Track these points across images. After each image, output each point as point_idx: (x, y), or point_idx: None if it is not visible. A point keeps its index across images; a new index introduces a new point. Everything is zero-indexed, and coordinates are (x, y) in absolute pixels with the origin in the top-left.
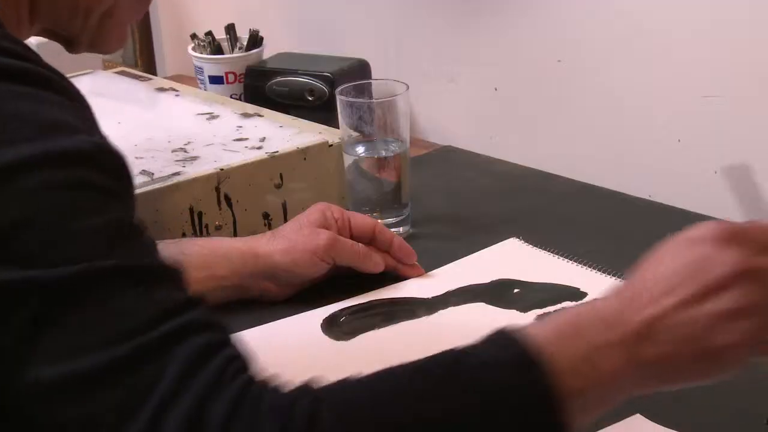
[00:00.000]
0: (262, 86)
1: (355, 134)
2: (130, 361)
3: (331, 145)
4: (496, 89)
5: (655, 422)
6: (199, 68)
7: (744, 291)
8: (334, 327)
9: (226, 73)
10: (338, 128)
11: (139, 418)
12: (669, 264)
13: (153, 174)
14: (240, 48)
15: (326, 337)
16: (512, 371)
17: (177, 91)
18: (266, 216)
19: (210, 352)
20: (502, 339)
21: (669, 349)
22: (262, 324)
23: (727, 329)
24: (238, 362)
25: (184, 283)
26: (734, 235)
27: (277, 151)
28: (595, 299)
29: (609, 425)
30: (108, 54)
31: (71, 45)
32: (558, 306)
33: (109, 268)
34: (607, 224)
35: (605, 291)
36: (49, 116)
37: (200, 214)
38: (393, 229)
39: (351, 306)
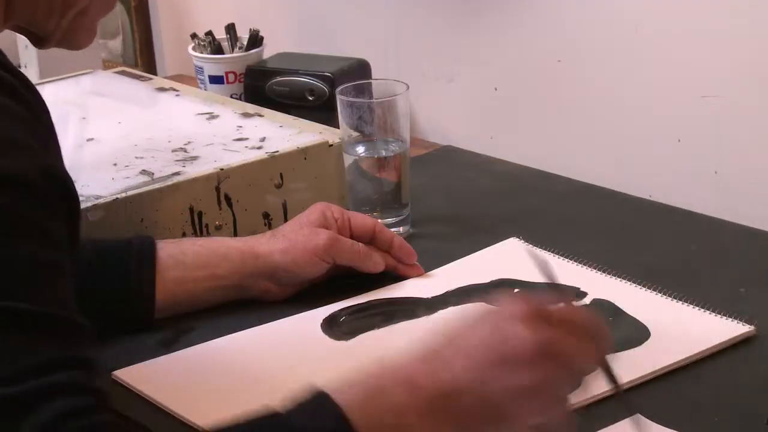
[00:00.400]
0: (262, 86)
1: (355, 134)
2: None
3: (332, 145)
4: (496, 89)
5: (655, 422)
6: (199, 68)
7: (539, 371)
8: (334, 327)
9: (227, 73)
10: (338, 128)
11: None
12: (475, 336)
13: (153, 174)
14: (240, 48)
15: (326, 337)
16: None
17: (177, 90)
18: (266, 216)
19: (64, 422)
20: (317, 407)
21: (464, 414)
22: (262, 324)
23: (518, 404)
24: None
25: (80, 338)
26: (540, 316)
27: (278, 151)
28: (402, 358)
29: (609, 425)
30: (77, 50)
31: (41, 42)
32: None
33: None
34: (607, 224)
35: (415, 350)
36: (1, 132)
37: (200, 214)
38: (393, 229)
39: (351, 306)
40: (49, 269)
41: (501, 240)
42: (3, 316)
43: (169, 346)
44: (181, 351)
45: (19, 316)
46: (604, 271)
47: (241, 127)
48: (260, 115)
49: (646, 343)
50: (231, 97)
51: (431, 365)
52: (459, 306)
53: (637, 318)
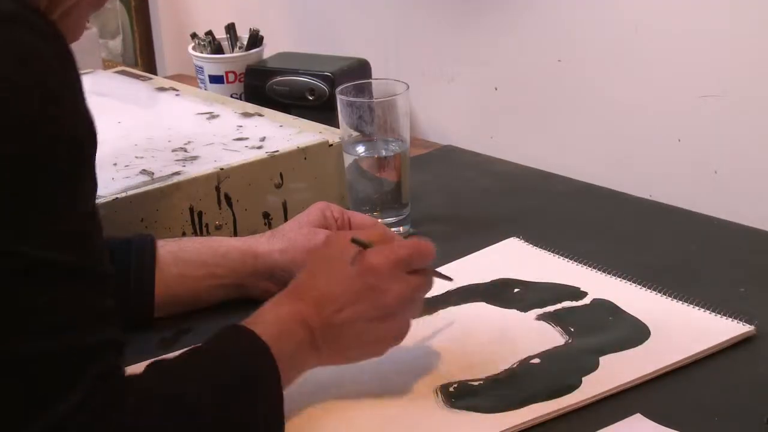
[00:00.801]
0: (262, 86)
1: (355, 134)
2: (55, 357)
3: (331, 145)
4: (496, 89)
5: (655, 422)
6: (200, 68)
7: (402, 311)
8: None
9: (227, 73)
10: (338, 128)
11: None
12: (345, 286)
13: (153, 174)
14: (240, 47)
15: None
16: (254, 359)
17: (177, 90)
18: (266, 216)
19: (111, 377)
20: (235, 334)
21: (340, 346)
22: None
23: (385, 334)
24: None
25: (111, 289)
26: (398, 264)
27: (278, 151)
28: (294, 301)
29: (609, 425)
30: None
31: None
32: (558, 306)
33: (70, 264)
34: (607, 224)
35: (303, 292)
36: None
37: (200, 214)
38: (393, 229)
39: None
40: (95, 225)
41: (501, 240)
42: (75, 271)
43: (169, 346)
44: (180, 351)
45: (86, 271)
46: (604, 271)
47: (241, 126)
48: (260, 115)
49: (646, 342)
50: (231, 96)
51: (319, 306)
52: (459, 305)
53: (637, 317)
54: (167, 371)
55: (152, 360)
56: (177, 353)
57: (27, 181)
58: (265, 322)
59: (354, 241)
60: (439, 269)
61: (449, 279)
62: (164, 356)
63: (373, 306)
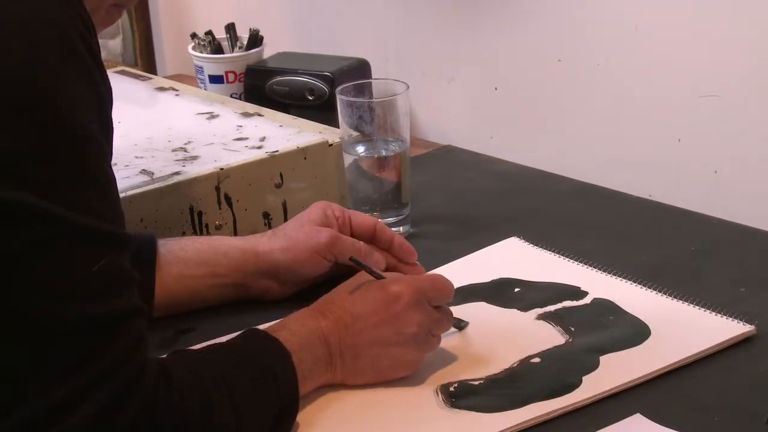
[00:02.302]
0: (262, 86)
1: (355, 134)
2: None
3: (331, 145)
4: (496, 89)
5: (655, 422)
6: (199, 68)
7: (418, 342)
8: None
9: (226, 73)
10: (338, 128)
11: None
12: (370, 309)
13: (153, 174)
14: (240, 47)
15: None
16: (276, 361)
17: (177, 90)
18: (266, 215)
19: (140, 343)
20: (263, 341)
21: (355, 368)
22: (262, 324)
23: (399, 362)
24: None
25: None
26: (421, 295)
27: (277, 151)
28: (317, 317)
29: (609, 425)
30: None
31: None
32: (558, 305)
33: (106, 232)
34: (607, 224)
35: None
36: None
37: (200, 214)
38: (393, 229)
39: None
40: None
41: (501, 239)
42: (109, 239)
43: (169, 346)
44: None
45: (116, 238)
46: (604, 271)
47: (241, 126)
48: (260, 115)
49: (646, 342)
50: (231, 96)
51: (343, 328)
52: (460, 305)
53: (638, 317)
54: (191, 357)
55: (176, 349)
56: (200, 345)
57: (63, 149)
58: (290, 330)
59: (352, 260)
60: (439, 269)
61: (462, 327)
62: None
63: (393, 332)
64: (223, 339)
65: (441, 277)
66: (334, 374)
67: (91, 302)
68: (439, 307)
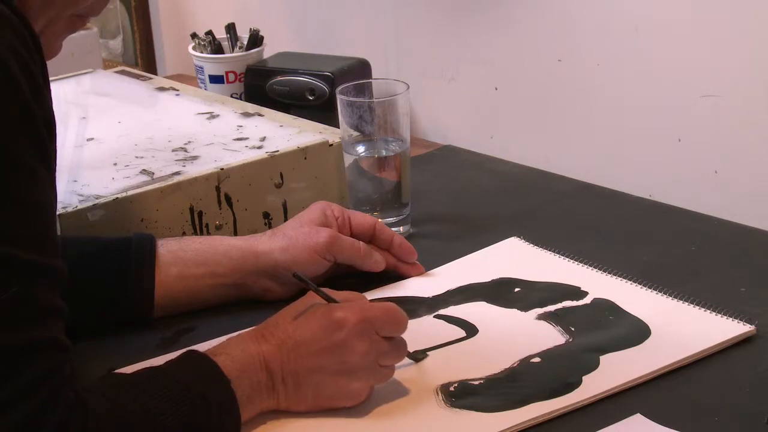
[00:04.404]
0: (262, 86)
1: (355, 134)
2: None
3: (332, 145)
4: (496, 89)
5: (655, 422)
6: (200, 67)
7: (364, 371)
8: None
9: (227, 73)
10: (338, 128)
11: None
12: (312, 335)
13: (153, 173)
14: (240, 47)
15: None
16: (215, 388)
17: (177, 90)
18: (266, 215)
19: (52, 377)
20: (205, 366)
21: (297, 395)
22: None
23: (341, 391)
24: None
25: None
26: (368, 324)
27: (278, 151)
28: (259, 341)
29: (609, 425)
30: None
31: None
32: (558, 305)
33: (21, 260)
34: (607, 224)
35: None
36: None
37: (200, 214)
38: (393, 229)
39: None
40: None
41: (501, 239)
42: (30, 267)
43: (169, 346)
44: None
45: (41, 268)
46: (604, 271)
47: (241, 126)
48: (260, 115)
49: (646, 342)
50: (231, 96)
51: (285, 353)
52: (460, 305)
53: (638, 317)
54: (122, 383)
55: (104, 374)
56: (134, 370)
57: None
58: (229, 355)
59: (296, 276)
60: (440, 269)
61: (420, 359)
62: (120, 370)
63: (335, 361)
64: (163, 360)
65: (394, 308)
66: (277, 400)
67: None
68: (391, 338)
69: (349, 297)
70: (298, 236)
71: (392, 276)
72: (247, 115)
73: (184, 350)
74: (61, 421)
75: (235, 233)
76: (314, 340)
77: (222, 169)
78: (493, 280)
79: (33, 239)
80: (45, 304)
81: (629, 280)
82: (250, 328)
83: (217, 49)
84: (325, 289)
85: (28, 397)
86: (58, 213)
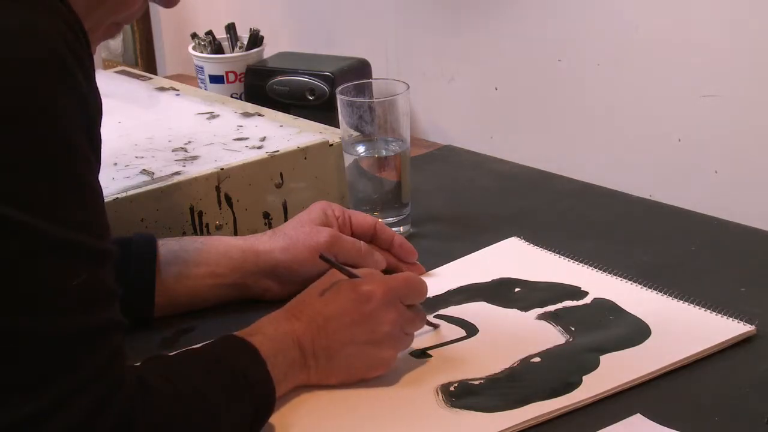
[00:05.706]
0: (262, 86)
1: (355, 134)
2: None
3: (332, 145)
4: (496, 89)
5: (655, 422)
6: (200, 67)
7: (392, 340)
8: None
9: (227, 73)
10: (338, 128)
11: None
12: (342, 309)
13: (153, 174)
14: (240, 47)
15: None
16: (252, 367)
17: (177, 90)
18: (267, 215)
19: (117, 357)
20: (236, 344)
21: (329, 368)
22: None
23: (373, 360)
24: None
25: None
26: (393, 294)
27: (278, 151)
28: (291, 320)
29: (609, 425)
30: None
31: None
32: (559, 305)
33: (87, 247)
34: (607, 224)
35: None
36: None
37: (200, 214)
38: (393, 229)
39: None
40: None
41: (501, 239)
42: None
43: (169, 346)
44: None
45: (101, 252)
46: (604, 271)
47: (241, 126)
48: (260, 115)
49: (646, 342)
50: (231, 96)
51: (315, 330)
52: (460, 305)
53: (638, 317)
54: (168, 366)
55: (151, 355)
56: (175, 352)
57: (47, 157)
58: (264, 334)
59: (323, 258)
60: (440, 269)
61: (436, 326)
62: (163, 353)
63: (366, 331)
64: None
65: (414, 276)
66: (308, 375)
67: (65, 317)
68: (412, 306)
69: (368, 273)
70: (299, 236)
71: None
72: (247, 115)
73: (222, 336)
74: (126, 403)
75: (235, 233)
76: (344, 314)
77: (222, 169)
78: (493, 280)
79: (93, 224)
80: (108, 288)
81: (629, 280)
82: (281, 309)
83: (217, 49)
84: (347, 267)
85: (99, 381)
86: None
